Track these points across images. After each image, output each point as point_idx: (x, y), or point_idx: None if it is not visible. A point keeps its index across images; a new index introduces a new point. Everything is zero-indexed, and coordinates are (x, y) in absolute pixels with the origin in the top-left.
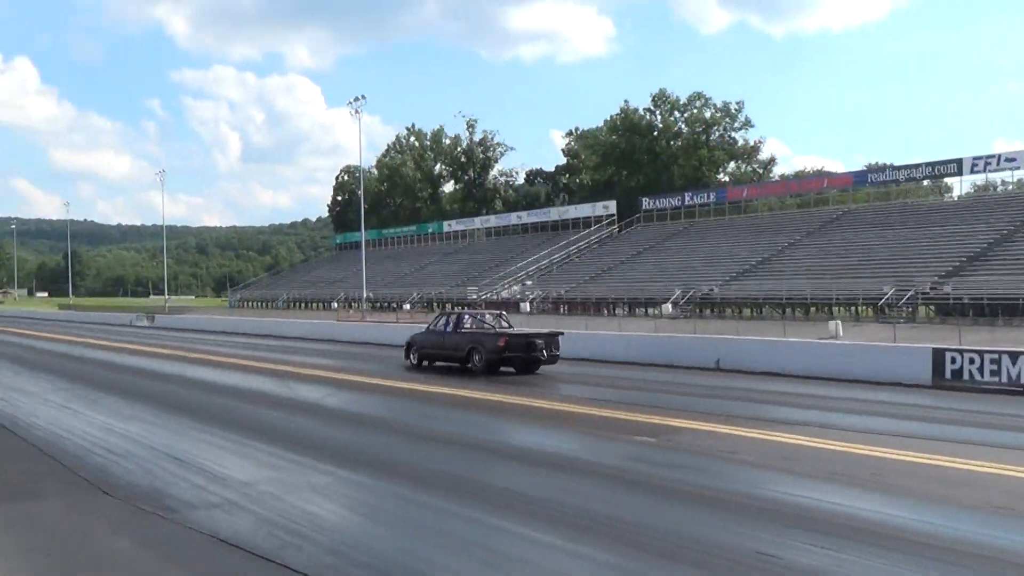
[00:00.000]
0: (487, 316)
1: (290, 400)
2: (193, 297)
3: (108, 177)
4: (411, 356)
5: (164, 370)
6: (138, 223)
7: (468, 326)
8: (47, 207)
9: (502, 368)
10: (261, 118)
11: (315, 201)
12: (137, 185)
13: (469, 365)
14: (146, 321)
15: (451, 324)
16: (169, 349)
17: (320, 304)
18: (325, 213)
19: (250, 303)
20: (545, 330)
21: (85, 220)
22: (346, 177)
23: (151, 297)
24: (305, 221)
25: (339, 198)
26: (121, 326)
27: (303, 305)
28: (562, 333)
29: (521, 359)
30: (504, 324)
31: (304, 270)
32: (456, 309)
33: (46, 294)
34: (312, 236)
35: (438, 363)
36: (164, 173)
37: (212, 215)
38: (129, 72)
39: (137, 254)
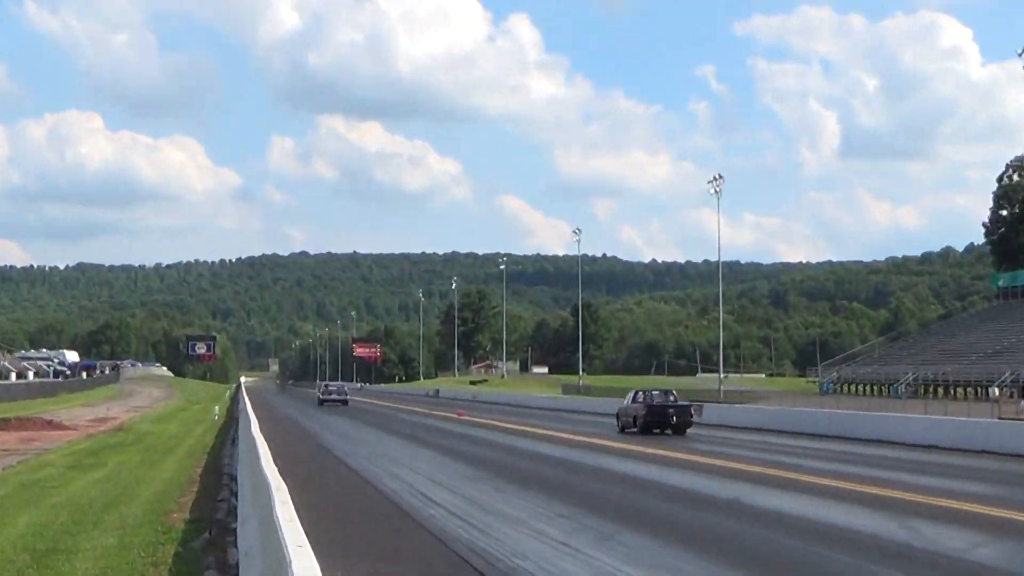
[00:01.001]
0: (654, 393)
1: (908, 548)
2: (763, 376)
3: (636, 189)
4: (618, 423)
5: (714, 492)
6: (680, 259)
7: (639, 400)
8: (548, 236)
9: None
10: (873, 86)
11: (962, 218)
12: (680, 200)
13: (634, 429)
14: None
15: (631, 399)
16: (725, 460)
17: (969, 390)
18: (980, 239)
19: (853, 386)
20: (679, 403)
21: (603, 256)
22: (1016, 177)
23: (699, 375)
24: (946, 252)
25: (1003, 212)
26: None
27: (938, 391)
28: (691, 404)
29: (659, 423)
30: (670, 399)
31: (944, 332)
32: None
33: (545, 369)
34: (957, 276)
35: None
36: (721, 181)
37: (794, 245)
38: (672, 27)
39: (679, 307)
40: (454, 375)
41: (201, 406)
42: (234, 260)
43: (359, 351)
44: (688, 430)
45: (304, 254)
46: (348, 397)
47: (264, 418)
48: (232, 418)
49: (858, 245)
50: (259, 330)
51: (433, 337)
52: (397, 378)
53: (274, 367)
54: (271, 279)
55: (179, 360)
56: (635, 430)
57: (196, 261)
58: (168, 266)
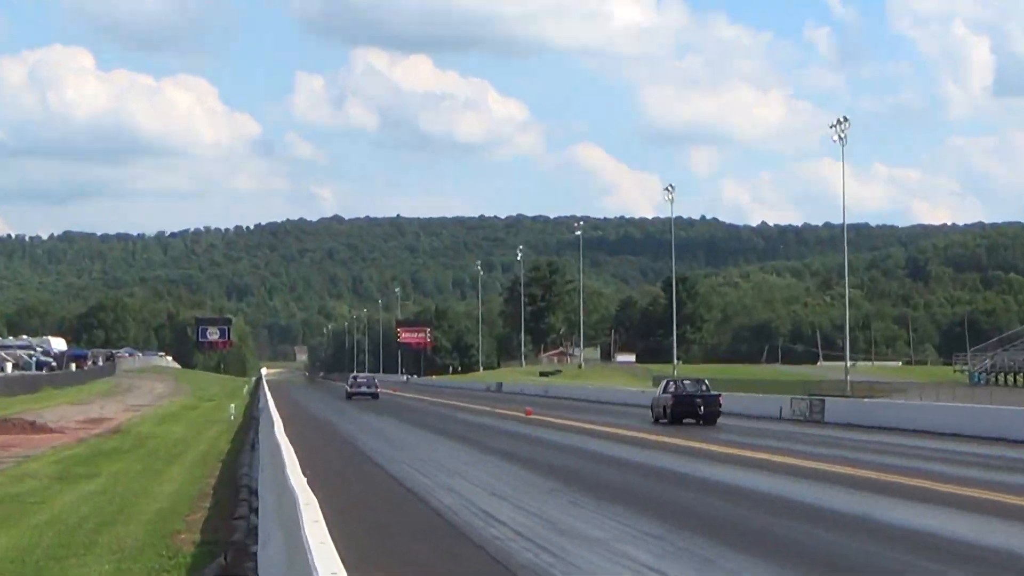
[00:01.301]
0: (685, 382)
1: None
2: (899, 363)
3: (742, 135)
4: (652, 414)
5: (838, 505)
6: (796, 221)
7: (670, 390)
8: (633, 194)
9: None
10: None
11: None
12: (795, 149)
13: (665, 420)
14: (805, 407)
15: (663, 389)
16: (849, 466)
17: None
18: None
19: (1011, 376)
20: (708, 392)
21: (701, 218)
22: None
23: (820, 364)
24: None
25: None
26: (767, 420)
27: None
28: (719, 395)
29: (687, 413)
30: (701, 388)
31: None
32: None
33: (632, 357)
34: None
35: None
36: (846, 125)
37: (936, 203)
38: None
39: (794, 280)
40: (520, 365)
41: (214, 403)
42: (252, 227)
43: (405, 337)
44: (718, 420)
45: (337, 219)
46: (379, 390)
47: (290, 418)
48: (251, 418)
49: (1016, 202)
50: (283, 312)
51: (495, 319)
52: (451, 369)
53: (302, 356)
54: (297, 250)
55: (187, 348)
56: (666, 421)
57: (207, 229)
58: (173, 235)
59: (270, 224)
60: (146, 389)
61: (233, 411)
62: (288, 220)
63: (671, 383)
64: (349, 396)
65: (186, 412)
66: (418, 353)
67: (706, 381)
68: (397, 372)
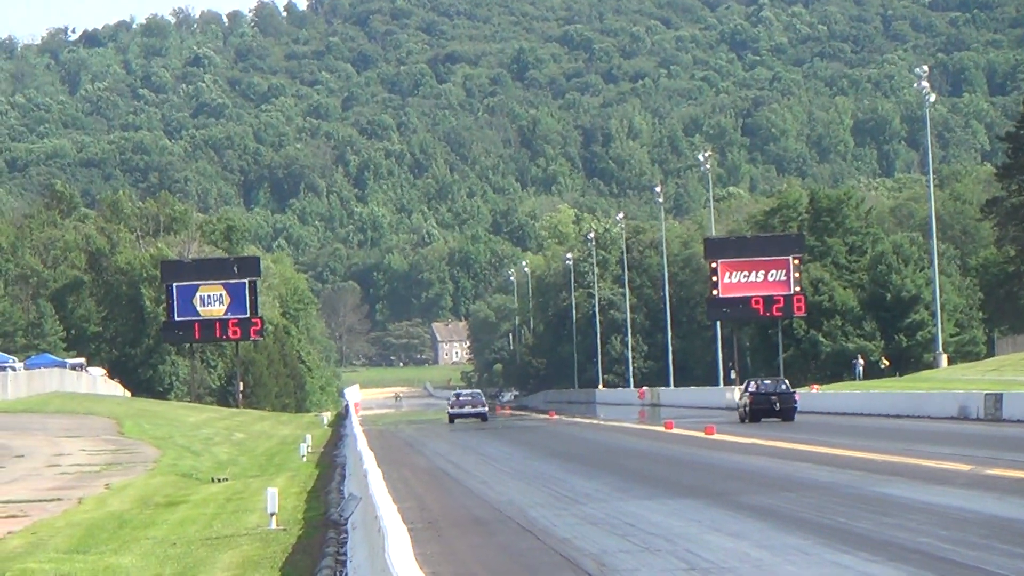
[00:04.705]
0: (766, 382)
1: None
2: None
3: None
4: (739, 415)
5: None
6: None
7: (752, 389)
8: None
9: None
10: None
11: None
12: None
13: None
14: None
15: (745, 388)
16: None
17: None
18: None
19: None
20: (784, 390)
21: None
22: None
23: None
24: None
25: None
26: None
27: None
28: (795, 392)
29: (765, 411)
30: (781, 388)
31: None
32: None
33: None
34: None
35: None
36: None
37: None
38: None
39: None
40: None
41: (224, 487)
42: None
43: (730, 283)
44: (795, 416)
45: None
46: (487, 410)
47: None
48: (325, 522)
49: None
50: (396, 235)
51: (972, 219)
52: (858, 368)
53: (449, 348)
54: (433, 60)
55: (140, 346)
56: (747, 420)
57: (181, 13)
58: (89, 37)
59: None
60: (41, 456)
61: (272, 503)
62: None
63: (751, 382)
64: (451, 420)
65: (151, 515)
66: (769, 324)
67: (786, 380)
68: (718, 377)
